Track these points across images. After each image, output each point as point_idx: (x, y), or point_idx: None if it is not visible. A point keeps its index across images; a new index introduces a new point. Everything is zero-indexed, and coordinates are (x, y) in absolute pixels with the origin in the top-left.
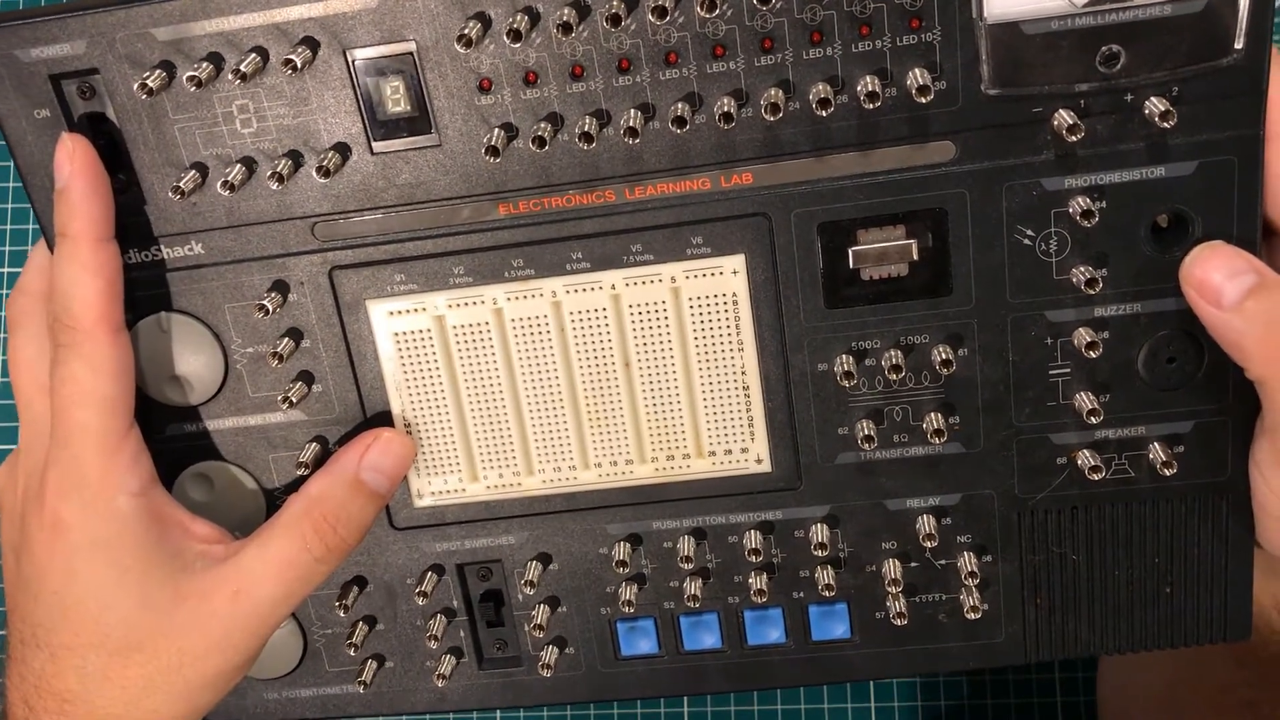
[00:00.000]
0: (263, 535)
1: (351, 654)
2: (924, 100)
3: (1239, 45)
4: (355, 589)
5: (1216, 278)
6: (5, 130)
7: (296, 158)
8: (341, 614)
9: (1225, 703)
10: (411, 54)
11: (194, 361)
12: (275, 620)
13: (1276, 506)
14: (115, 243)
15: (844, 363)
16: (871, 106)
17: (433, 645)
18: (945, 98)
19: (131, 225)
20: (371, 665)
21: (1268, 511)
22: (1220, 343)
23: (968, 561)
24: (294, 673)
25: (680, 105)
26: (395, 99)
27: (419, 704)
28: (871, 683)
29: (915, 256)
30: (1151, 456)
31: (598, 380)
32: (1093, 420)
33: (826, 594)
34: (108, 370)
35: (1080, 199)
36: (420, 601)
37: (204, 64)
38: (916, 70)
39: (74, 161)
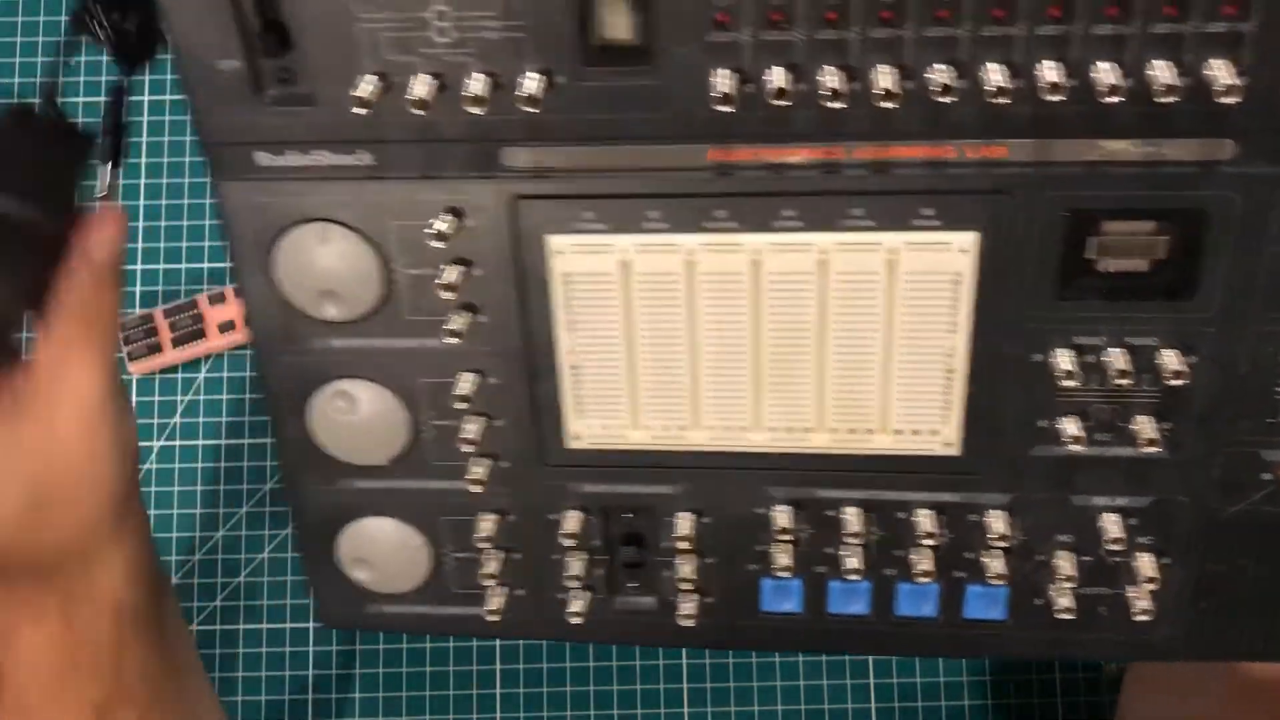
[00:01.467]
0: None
1: (485, 582)
2: (1226, 101)
3: None
4: (495, 518)
5: None
6: (165, 9)
7: (496, 77)
8: (479, 544)
9: None
10: None
11: (349, 278)
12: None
13: None
14: None
15: (1063, 357)
16: (1165, 101)
17: (570, 582)
18: (1242, 94)
19: (295, 126)
20: (502, 592)
21: None
22: None
23: (1146, 565)
24: (417, 589)
25: (945, 69)
26: (617, 23)
27: (544, 633)
28: (872, 684)
29: (1161, 255)
30: None
31: (787, 344)
32: None
33: (995, 581)
34: None
35: None
36: (564, 540)
37: None
38: (1219, 63)
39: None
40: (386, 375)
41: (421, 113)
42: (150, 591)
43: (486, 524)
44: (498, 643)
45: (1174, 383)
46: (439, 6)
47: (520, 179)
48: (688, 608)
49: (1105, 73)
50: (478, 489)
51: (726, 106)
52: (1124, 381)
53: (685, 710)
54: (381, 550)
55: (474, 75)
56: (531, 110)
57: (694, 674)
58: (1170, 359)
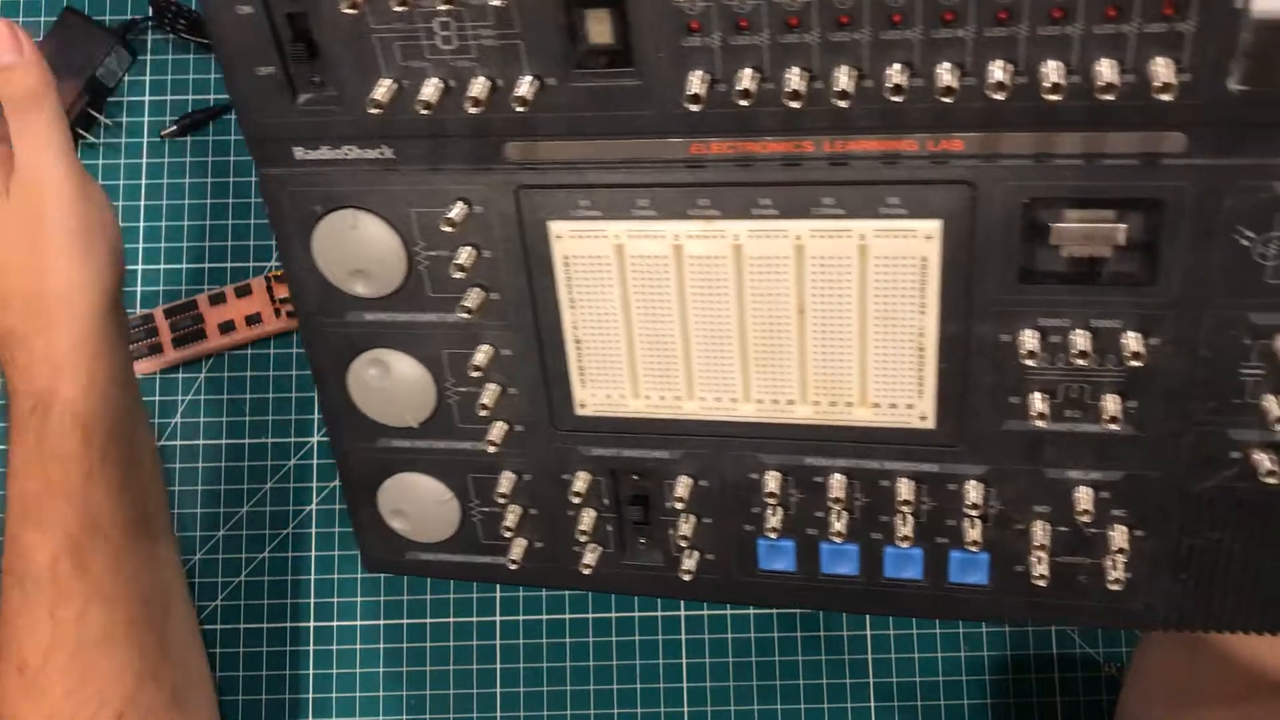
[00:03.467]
0: None
1: (505, 534)
2: (1166, 98)
3: None
4: (514, 477)
5: None
6: (209, 17)
7: (494, 80)
8: (499, 500)
9: None
10: None
11: (377, 258)
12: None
13: None
14: None
15: (1029, 338)
16: (1106, 98)
17: (581, 536)
18: (1185, 90)
19: (325, 124)
20: (522, 544)
21: None
22: None
23: (1120, 536)
24: (449, 539)
25: (899, 69)
26: (600, 30)
27: (561, 583)
28: (872, 683)
29: (1122, 242)
30: None
31: (769, 322)
32: (1279, 427)
33: (972, 548)
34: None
35: None
36: (574, 498)
37: None
38: (1160, 60)
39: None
40: (414, 346)
41: (429, 112)
42: (117, 420)
43: (505, 482)
44: (498, 642)
45: (1135, 364)
46: (443, 18)
47: (522, 170)
48: (688, 564)
49: (1050, 71)
50: (494, 449)
51: (697, 106)
52: (1083, 362)
53: (685, 710)
54: (416, 503)
55: (475, 78)
56: (524, 109)
57: (694, 674)
58: (1131, 341)
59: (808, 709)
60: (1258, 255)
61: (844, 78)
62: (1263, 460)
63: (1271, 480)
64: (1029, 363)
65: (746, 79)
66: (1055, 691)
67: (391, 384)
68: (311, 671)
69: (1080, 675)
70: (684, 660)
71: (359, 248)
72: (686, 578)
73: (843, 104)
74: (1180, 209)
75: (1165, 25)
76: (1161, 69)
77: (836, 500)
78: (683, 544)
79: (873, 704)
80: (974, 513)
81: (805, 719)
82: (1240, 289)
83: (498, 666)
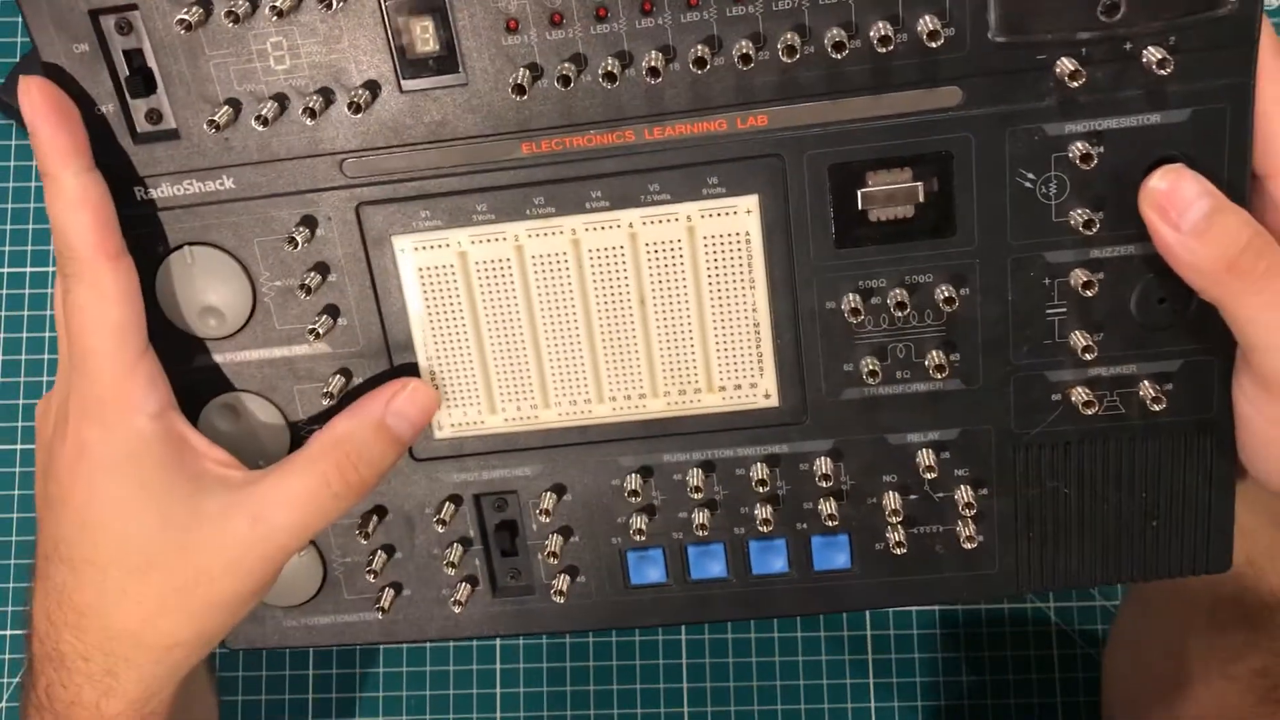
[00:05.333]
0: (284, 466)
1: (370, 581)
2: (934, 45)
3: None
4: (375, 518)
5: (1180, 200)
6: (44, 64)
7: (328, 94)
8: (362, 542)
9: (1236, 672)
10: None
11: (222, 294)
12: (290, 548)
13: (1261, 426)
14: (96, 172)
15: (851, 300)
16: (884, 51)
17: (450, 573)
18: (953, 44)
19: (164, 159)
20: (389, 593)
21: (1253, 433)
22: (1175, 265)
23: (965, 494)
24: (313, 600)
25: (700, 47)
26: (425, 38)
27: (434, 631)
28: (872, 684)
29: (921, 199)
30: (1142, 394)
31: (614, 316)
32: (1086, 357)
33: (830, 524)
34: (112, 296)
35: (1080, 144)
36: (438, 530)
37: (241, 0)
38: (927, 16)
39: (33, 103)
40: (264, 384)
41: (264, 129)
42: None
43: (367, 524)
44: (498, 642)
45: (950, 310)
46: (275, 38)
47: (361, 187)
48: (559, 584)
49: (833, 35)
50: None
51: (519, 95)
52: (900, 315)
53: (685, 710)
54: None
55: (309, 95)
56: (358, 117)
57: (694, 674)
58: (945, 292)
59: (808, 709)
60: (1041, 195)
61: (652, 58)
62: (1080, 395)
63: (1089, 412)
64: (853, 322)
65: (566, 69)
66: (1055, 692)
67: (244, 428)
68: (311, 671)
69: (1080, 675)
70: (684, 660)
71: (202, 285)
72: (559, 600)
73: (653, 81)
74: (967, 159)
75: None
76: (929, 22)
77: (697, 491)
78: (552, 562)
79: (873, 704)
80: (826, 485)
81: (805, 719)
82: (1032, 230)
83: (498, 666)
